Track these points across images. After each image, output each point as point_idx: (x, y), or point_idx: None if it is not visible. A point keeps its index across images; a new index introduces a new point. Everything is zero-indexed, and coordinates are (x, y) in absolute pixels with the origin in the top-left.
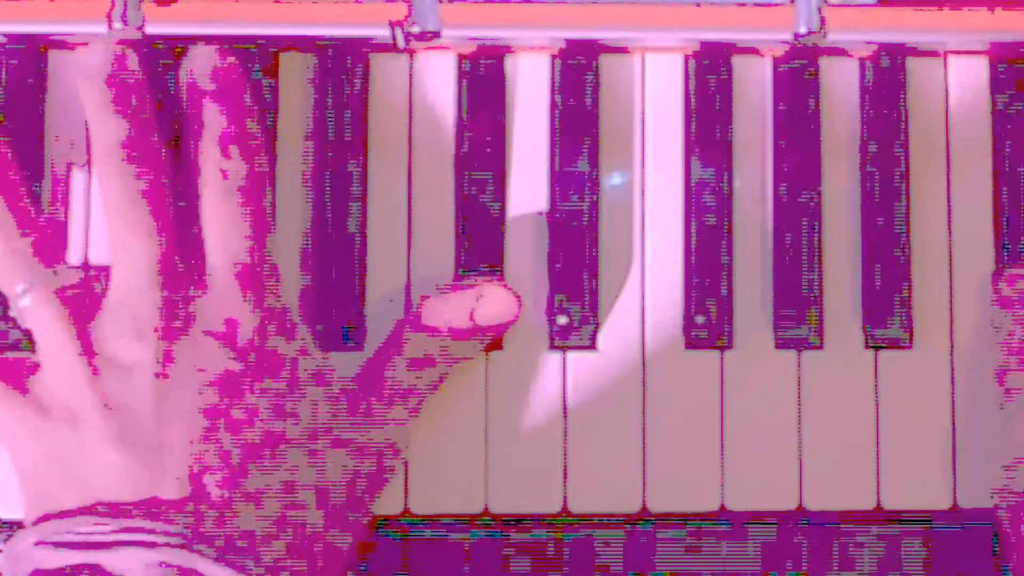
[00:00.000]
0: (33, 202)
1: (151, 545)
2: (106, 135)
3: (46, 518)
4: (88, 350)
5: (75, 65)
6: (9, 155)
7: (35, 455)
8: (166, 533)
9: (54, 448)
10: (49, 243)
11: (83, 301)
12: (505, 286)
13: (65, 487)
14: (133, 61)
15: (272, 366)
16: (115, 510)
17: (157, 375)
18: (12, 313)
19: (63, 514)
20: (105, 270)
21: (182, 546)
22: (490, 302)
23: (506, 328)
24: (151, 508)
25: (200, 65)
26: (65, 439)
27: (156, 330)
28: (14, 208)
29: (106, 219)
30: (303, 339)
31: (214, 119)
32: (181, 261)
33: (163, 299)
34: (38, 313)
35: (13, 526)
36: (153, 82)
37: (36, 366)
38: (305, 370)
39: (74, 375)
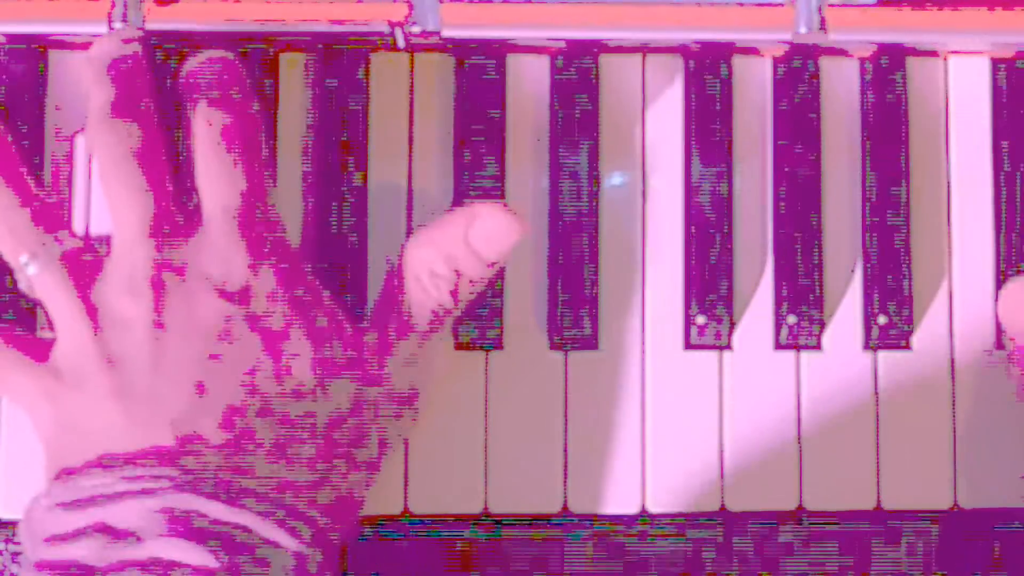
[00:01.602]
0: (31, 173)
1: (151, 492)
2: (97, 98)
3: (54, 480)
4: (92, 311)
5: (84, 56)
6: (7, 135)
7: (51, 419)
8: (166, 478)
9: (65, 410)
10: (50, 212)
11: (87, 265)
12: (504, 207)
13: (74, 447)
14: (135, 45)
15: (272, 309)
16: (116, 462)
17: (153, 324)
18: (20, 285)
19: (69, 472)
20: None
21: (180, 488)
22: (486, 221)
23: (508, 251)
24: (149, 456)
25: (196, 63)
26: (74, 399)
27: (150, 282)
28: (13, 183)
29: (100, 179)
30: (311, 285)
31: (204, 83)
32: (177, 215)
33: (156, 250)
34: (43, 280)
35: (10, 526)
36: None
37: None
38: (311, 314)
39: (80, 336)
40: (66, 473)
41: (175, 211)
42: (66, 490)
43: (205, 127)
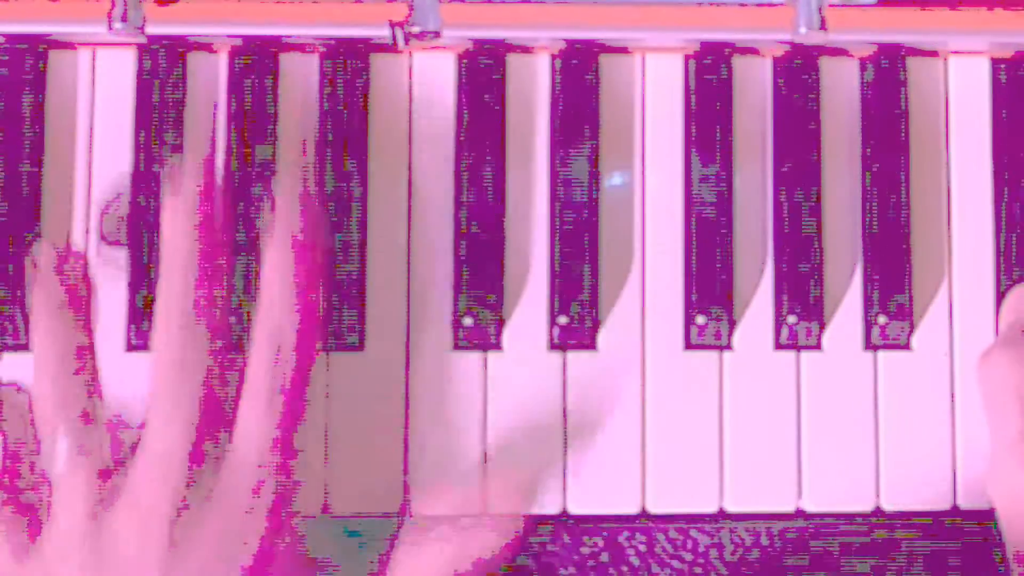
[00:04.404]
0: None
1: None
2: (175, 341)
3: None
4: (98, 530)
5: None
6: (87, 308)
7: None
8: None
9: None
10: (98, 394)
11: (110, 480)
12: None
13: None
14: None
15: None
16: None
17: (157, 569)
18: (39, 462)
19: None
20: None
21: None
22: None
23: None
24: None
25: (285, 226)
26: None
27: (165, 530)
28: (64, 346)
29: (151, 395)
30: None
31: (277, 309)
32: (208, 447)
33: (181, 498)
34: (68, 478)
35: None
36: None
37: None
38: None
39: (73, 552)
40: None
41: (210, 441)
42: None
43: (268, 376)
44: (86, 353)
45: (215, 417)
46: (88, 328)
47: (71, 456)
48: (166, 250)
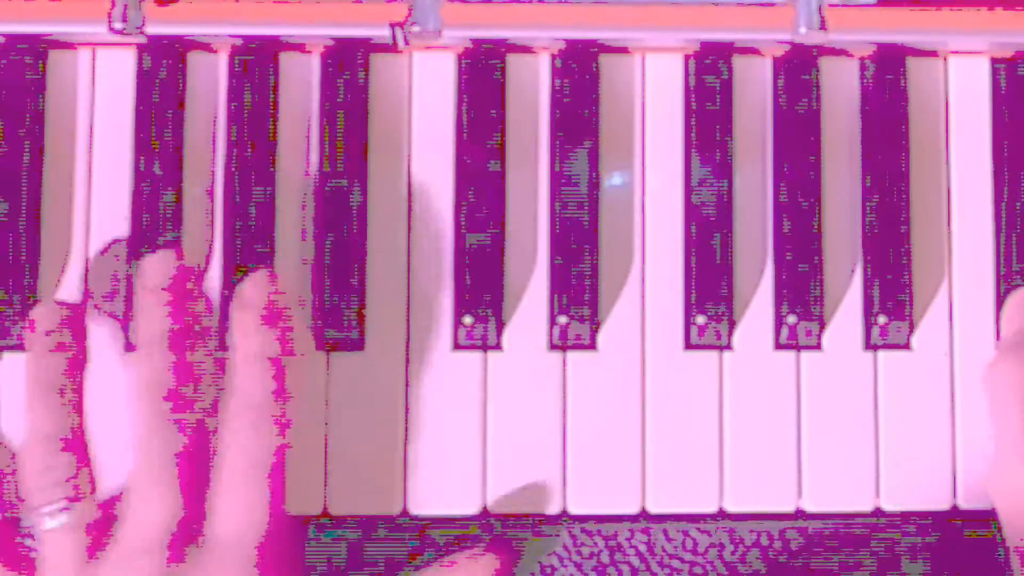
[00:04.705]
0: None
1: None
2: (157, 391)
3: None
4: None
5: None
6: (77, 370)
7: None
8: None
9: None
10: (87, 470)
11: (95, 543)
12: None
13: None
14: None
15: None
16: None
17: None
18: (25, 523)
19: None
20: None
21: None
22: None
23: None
24: None
25: (252, 313)
26: None
27: None
28: (58, 419)
29: (134, 466)
30: None
31: (253, 386)
32: (191, 525)
33: (164, 563)
34: (58, 543)
35: None
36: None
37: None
38: None
39: None
40: None
41: (194, 519)
42: None
43: (242, 453)
44: (77, 429)
45: (202, 490)
46: (79, 406)
47: (55, 529)
48: (140, 333)
